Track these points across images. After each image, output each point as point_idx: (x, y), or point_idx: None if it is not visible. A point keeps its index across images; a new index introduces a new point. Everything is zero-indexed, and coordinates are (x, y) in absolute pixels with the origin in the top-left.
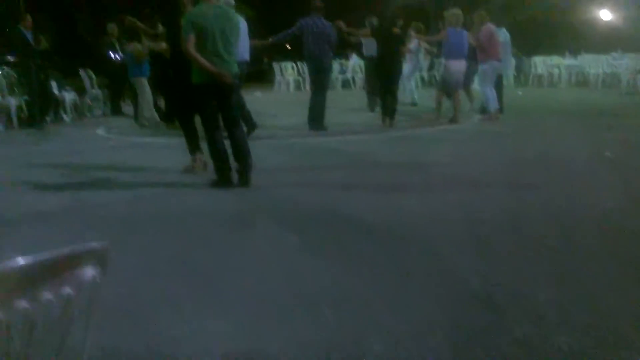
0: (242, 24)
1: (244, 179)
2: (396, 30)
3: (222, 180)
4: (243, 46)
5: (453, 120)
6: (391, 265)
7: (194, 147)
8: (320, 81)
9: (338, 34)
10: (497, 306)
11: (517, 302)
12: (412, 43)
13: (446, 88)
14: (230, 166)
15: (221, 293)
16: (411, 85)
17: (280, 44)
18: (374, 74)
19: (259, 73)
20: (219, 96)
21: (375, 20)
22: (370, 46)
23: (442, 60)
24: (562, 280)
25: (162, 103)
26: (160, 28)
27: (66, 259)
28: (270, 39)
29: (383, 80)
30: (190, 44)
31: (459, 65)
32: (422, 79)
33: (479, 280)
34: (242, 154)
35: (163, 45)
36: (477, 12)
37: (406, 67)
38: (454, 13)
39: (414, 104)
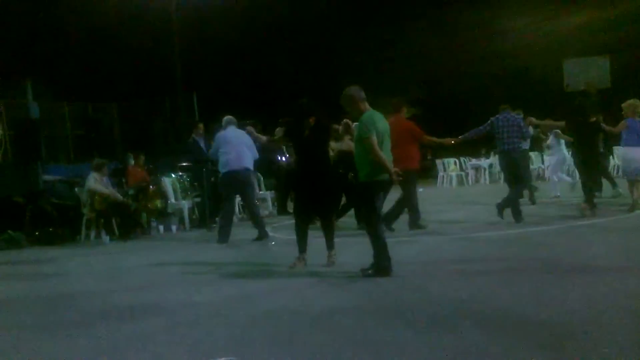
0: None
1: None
2: (592, 118)
3: (386, 270)
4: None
5: (631, 208)
6: None
7: (303, 246)
8: (514, 175)
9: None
10: None
11: None
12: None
13: (627, 175)
14: (390, 257)
15: None
16: (560, 176)
17: (467, 140)
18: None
19: (422, 169)
20: (384, 192)
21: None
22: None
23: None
24: None
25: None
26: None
27: None
28: (460, 137)
29: (581, 169)
30: (375, 143)
31: (636, 153)
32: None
33: None
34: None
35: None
36: None
37: (551, 160)
38: (632, 103)
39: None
